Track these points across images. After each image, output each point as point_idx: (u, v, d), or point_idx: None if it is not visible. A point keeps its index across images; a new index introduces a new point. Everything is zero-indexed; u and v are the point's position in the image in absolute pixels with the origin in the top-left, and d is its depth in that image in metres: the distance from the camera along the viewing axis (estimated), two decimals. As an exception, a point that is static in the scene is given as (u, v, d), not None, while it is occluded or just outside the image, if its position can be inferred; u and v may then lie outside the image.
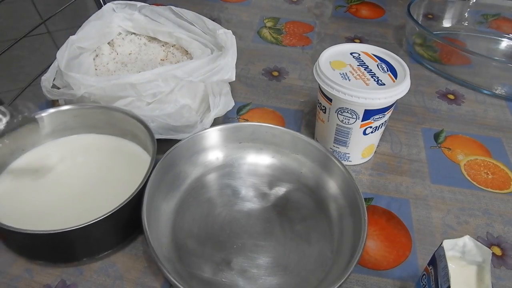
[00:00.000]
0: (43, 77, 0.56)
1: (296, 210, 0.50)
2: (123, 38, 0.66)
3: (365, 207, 0.44)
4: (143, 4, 0.67)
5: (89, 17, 0.64)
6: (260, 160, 0.55)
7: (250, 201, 0.51)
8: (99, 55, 0.63)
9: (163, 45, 0.66)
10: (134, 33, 0.67)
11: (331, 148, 0.56)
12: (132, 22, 0.66)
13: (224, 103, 0.57)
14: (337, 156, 0.51)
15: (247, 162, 0.55)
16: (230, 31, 0.58)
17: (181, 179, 0.51)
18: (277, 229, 0.48)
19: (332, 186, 0.50)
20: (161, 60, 0.64)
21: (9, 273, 0.44)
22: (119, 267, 0.45)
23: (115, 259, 0.45)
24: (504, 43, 0.85)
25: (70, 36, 0.59)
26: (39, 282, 0.43)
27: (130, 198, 0.42)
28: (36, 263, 0.45)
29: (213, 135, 0.53)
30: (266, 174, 0.54)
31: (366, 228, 0.42)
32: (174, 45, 0.65)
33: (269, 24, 0.88)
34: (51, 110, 0.52)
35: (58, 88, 0.56)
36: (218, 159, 0.54)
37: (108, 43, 0.65)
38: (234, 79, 0.54)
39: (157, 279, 0.44)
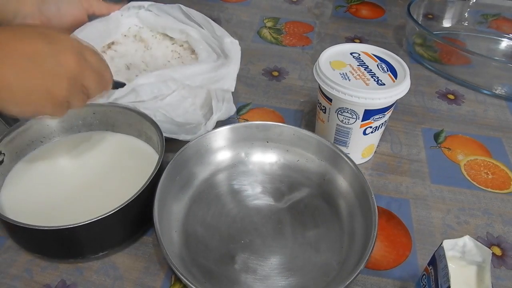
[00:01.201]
0: None
1: (311, 216, 0.49)
2: (125, 36, 0.66)
3: (376, 223, 0.43)
4: (150, 2, 0.66)
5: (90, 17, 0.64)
6: (282, 161, 0.55)
7: (266, 200, 0.51)
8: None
9: (167, 47, 0.65)
10: (135, 36, 0.67)
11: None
12: (140, 20, 0.65)
13: (226, 108, 0.57)
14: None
15: (267, 162, 0.55)
16: (237, 41, 0.57)
17: (193, 178, 0.52)
18: (288, 231, 0.48)
19: (349, 194, 0.49)
20: (167, 61, 0.64)
21: (9, 273, 0.44)
22: (119, 267, 0.45)
23: (115, 259, 0.45)
24: (504, 43, 0.85)
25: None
26: (39, 282, 0.43)
27: (137, 194, 0.43)
28: (36, 263, 0.45)
29: (224, 135, 0.53)
30: (287, 175, 0.53)
31: (373, 244, 0.41)
32: (182, 45, 0.65)
33: (269, 24, 0.88)
34: None
35: None
36: (230, 158, 0.54)
37: (109, 45, 0.65)
38: (233, 89, 0.54)
39: (157, 279, 0.44)
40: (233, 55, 0.55)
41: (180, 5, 0.65)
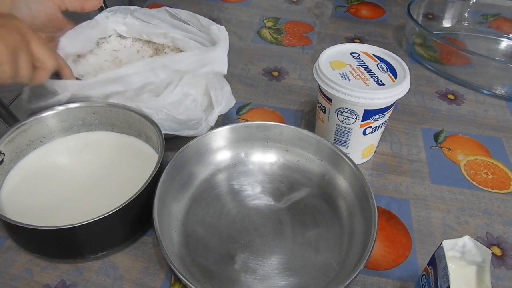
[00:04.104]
0: (24, 88, 0.55)
1: (311, 216, 0.49)
2: (108, 40, 0.65)
3: (376, 225, 0.43)
4: (135, 7, 0.66)
5: (89, 17, 0.64)
6: (282, 161, 0.55)
7: (266, 200, 0.51)
8: (84, 57, 0.62)
9: (156, 48, 0.65)
10: (125, 37, 0.66)
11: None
12: (126, 26, 0.65)
13: (226, 100, 0.57)
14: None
15: (266, 162, 0.55)
16: (223, 26, 0.58)
17: (193, 178, 0.52)
18: (288, 231, 0.48)
19: (349, 194, 0.49)
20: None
21: (9, 273, 0.44)
22: (119, 267, 0.45)
23: (115, 259, 0.45)
24: (504, 43, 0.85)
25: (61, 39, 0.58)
26: (39, 282, 0.43)
27: (137, 194, 0.43)
28: (36, 263, 0.45)
29: (224, 135, 0.53)
30: (287, 175, 0.53)
31: (373, 244, 0.41)
32: (169, 46, 0.65)
33: (269, 24, 0.88)
34: (70, 106, 0.52)
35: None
36: (230, 159, 0.54)
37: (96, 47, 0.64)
38: (225, 72, 0.53)
39: (157, 279, 0.44)
40: (220, 39, 0.55)
41: (166, 7, 0.65)
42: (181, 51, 0.63)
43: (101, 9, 0.66)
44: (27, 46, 0.44)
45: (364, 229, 0.44)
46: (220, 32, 0.57)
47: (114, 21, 0.65)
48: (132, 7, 0.66)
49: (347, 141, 0.54)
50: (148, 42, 0.66)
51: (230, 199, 0.51)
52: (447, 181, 0.56)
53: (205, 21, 0.61)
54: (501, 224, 0.51)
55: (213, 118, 0.54)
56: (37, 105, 0.52)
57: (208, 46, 0.60)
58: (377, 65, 0.53)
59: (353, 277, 0.38)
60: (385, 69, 0.52)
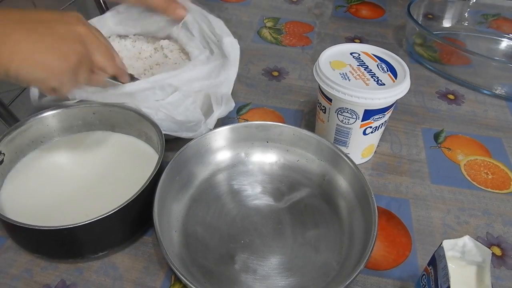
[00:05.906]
0: (32, 89, 0.55)
1: (311, 216, 0.49)
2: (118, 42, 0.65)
3: (376, 224, 0.43)
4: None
5: (89, 18, 0.64)
6: (282, 161, 0.55)
7: (266, 200, 0.51)
8: None
9: (155, 48, 0.65)
10: (124, 36, 0.66)
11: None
12: (125, 25, 0.64)
13: (225, 104, 0.57)
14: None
15: (267, 162, 0.55)
16: (236, 40, 0.57)
17: (193, 178, 0.52)
18: (288, 231, 0.48)
19: (349, 194, 0.49)
20: (156, 65, 0.63)
21: (9, 273, 0.44)
22: (119, 267, 0.45)
23: (115, 259, 0.45)
24: (504, 43, 0.85)
25: None
26: (39, 282, 0.43)
27: (137, 194, 0.43)
28: (36, 263, 0.45)
29: (224, 135, 0.54)
30: (287, 175, 0.53)
31: (373, 244, 0.41)
32: (168, 46, 0.64)
33: (269, 24, 0.88)
34: (71, 105, 0.52)
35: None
36: (230, 158, 0.54)
37: None
38: (230, 93, 0.54)
39: (157, 279, 0.44)
40: (232, 58, 0.54)
41: None
42: (179, 51, 0.63)
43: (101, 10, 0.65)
44: (89, 57, 0.42)
45: (364, 229, 0.44)
46: (233, 49, 0.55)
47: (116, 22, 0.65)
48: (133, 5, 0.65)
49: (347, 141, 0.54)
50: (148, 42, 0.65)
51: (230, 199, 0.51)
52: (447, 181, 0.56)
53: (218, 28, 0.59)
54: (501, 224, 0.51)
55: (212, 121, 0.54)
56: (46, 104, 0.53)
57: (210, 50, 0.59)
58: (377, 65, 0.53)
59: (353, 277, 0.38)
60: (385, 69, 0.52)
